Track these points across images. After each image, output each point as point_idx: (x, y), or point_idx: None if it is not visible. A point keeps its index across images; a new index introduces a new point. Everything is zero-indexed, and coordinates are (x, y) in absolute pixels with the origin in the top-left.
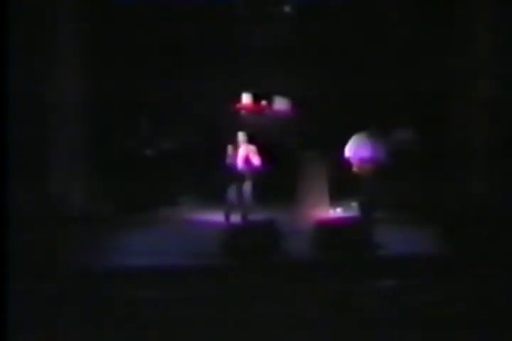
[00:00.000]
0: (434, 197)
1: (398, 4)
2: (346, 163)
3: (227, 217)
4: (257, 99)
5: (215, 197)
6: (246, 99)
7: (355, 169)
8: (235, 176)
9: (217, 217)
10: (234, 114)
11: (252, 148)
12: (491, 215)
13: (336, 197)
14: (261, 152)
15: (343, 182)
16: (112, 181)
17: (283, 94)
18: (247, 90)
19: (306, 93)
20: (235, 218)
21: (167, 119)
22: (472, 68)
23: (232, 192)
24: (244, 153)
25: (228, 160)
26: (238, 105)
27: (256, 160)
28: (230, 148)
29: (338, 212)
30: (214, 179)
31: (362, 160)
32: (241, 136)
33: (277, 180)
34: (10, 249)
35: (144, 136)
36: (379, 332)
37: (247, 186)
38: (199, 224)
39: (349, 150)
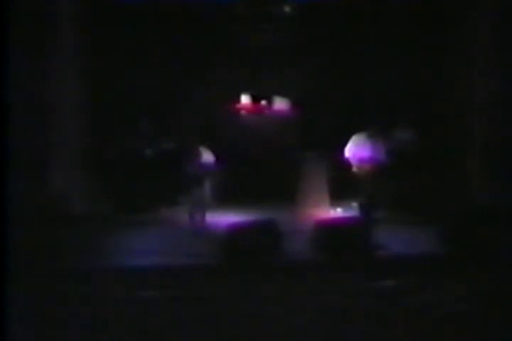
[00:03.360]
0: (434, 197)
1: (398, 4)
2: (346, 163)
3: (191, 217)
4: (256, 99)
5: (215, 197)
6: (246, 99)
7: (355, 169)
8: (196, 176)
9: (216, 217)
10: (234, 114)
11: (205, 149)
12: (491, 215)
13: (336, 197)
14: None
15: (343, 182)
16: (111, 181)
17: (283, 94)
18: (246, 90)
19: (306, 93)
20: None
21: (167, 119)
22: (472, 68)
23: (194, 193)
24: (201, 153)
25: (192, 161)
26: (238, 105)
27: (210, 161)
28: (187, 152)
29: (338, 212)
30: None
31: (362, 161)
32: (194, 140)
33: (277, 180)
34: (10, 249)
35: (144, 136)
36: (379, 332)
37: (207, 186)
38: (199, 223)
39: (349, 151)
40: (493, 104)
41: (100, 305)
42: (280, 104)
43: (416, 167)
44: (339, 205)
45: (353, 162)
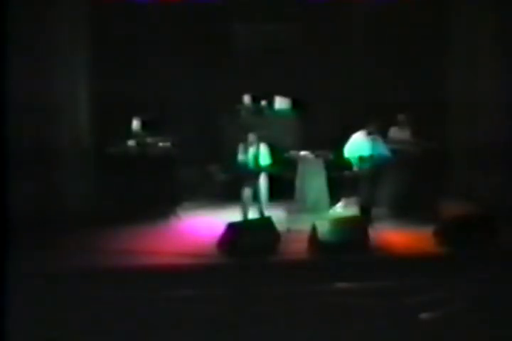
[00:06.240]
0: (434, 197)
1: (398, 3)
2: (346, 163)
3: (244, 216)
4: (256, 99)
5: (215, 197)
6: (246, 99)
7: (354, 169)
8: (247, 175)
9: (216, 216)
10: (234, 114)
11: (264, 147)
12: (491, 215)
13: (336, 197)
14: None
15: (343, 182)
16: (111, 181)
17: (283, 94)
18: (247, 90)
19: (306, 93)
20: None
21: (167, 119)
22: (472, 68)
23: (246, 191)
24: (255, 152)
25: (239, 160)
26: (238, 105)
27: (266, 160)
28: (241, 148)
29: (337, 212)
30: (224, 179)
31: (361, 160)
32: (251, 136)
33: (277, 180)
34: (10, 249)
35: (143, 135)
36: (379, 332)
37: (262, 184)
38: (199, 223)
39: (349, 150)
40: (493, 104)
41: (100, 306)
42: (280, 104)
43: (416, 167)
44: (339, 205)
45: (353, 161)
